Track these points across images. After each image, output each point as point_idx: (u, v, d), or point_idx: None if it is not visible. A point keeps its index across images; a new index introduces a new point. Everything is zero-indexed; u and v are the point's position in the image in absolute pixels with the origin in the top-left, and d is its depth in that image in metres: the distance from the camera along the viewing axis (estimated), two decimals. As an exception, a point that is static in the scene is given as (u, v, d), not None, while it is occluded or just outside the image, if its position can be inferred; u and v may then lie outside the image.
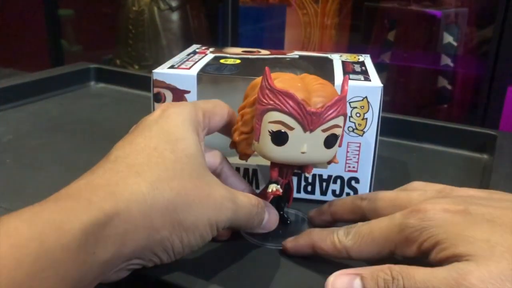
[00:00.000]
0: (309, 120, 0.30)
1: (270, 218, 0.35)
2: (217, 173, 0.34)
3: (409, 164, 0.51)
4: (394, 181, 0.47)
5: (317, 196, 0.41)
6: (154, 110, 0.41)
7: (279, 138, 0.31)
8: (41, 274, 0.22)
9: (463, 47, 1.18)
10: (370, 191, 0.41)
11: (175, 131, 0.30)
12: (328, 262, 0.32)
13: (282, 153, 0.32)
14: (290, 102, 0.30)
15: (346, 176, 0.40)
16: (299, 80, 0.32)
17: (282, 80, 0.32)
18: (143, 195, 0.27)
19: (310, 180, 0.41)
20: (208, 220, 0.29)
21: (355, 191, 0.41)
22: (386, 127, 0.57)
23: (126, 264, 0.27)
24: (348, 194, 0.41)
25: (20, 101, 0.64)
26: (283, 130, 0.31)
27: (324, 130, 0.31)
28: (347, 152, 0.40)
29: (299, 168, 0.34)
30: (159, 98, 0.40)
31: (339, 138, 0.32)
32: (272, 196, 0.34)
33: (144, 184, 0.27)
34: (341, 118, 0.32)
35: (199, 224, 0.29)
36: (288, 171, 0.34)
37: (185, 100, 0.40)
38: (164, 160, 0.29)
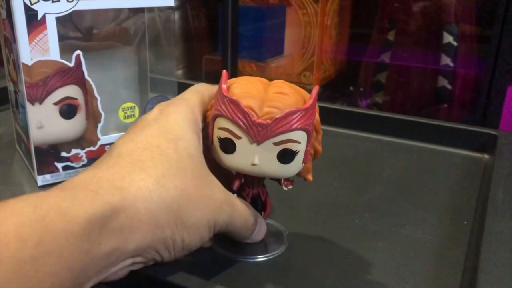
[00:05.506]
0: (255, 131, 0.28)
1: (261, 229, 0.34)
2: None
3: (409, 164, 0.51)
4: (394, 181, 0.47)
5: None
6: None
7: (226, 146, 0.30)
8: (44, 258, 0.22)
9: (463, 47, 1.18)
10: None
11: (176, 130, 0.30)
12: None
13: (232, 162, 0.30)
14: (236, 110, 0.29)
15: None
16: (260, 86, 0.30)
17: (240, 85, 0.30)
18: (149, 192, 0.27)
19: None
20: (208, 221, 0.29)
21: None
22: (386, 127, 0.57)
23: (129, 261, 0.27)
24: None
25: (20, 101, 0.64)
26: (230, 138, 0.29)
27: (276, 144, 0.29)
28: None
29: (277, 180, 0.32)
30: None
31: (301, 154, 0.30)
32: None
33: (150, 181, 0.27)
34: (300, 133, 0.29)
35: (200, 224, 0.29)
36: (254, 181, 0.33)
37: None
38: (167, 158, 0.29)
